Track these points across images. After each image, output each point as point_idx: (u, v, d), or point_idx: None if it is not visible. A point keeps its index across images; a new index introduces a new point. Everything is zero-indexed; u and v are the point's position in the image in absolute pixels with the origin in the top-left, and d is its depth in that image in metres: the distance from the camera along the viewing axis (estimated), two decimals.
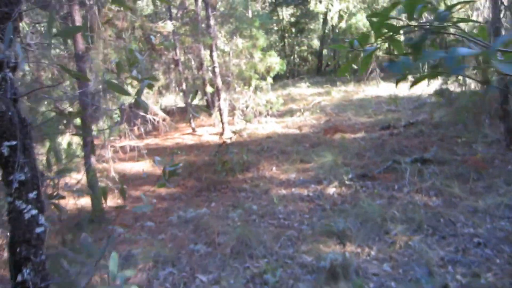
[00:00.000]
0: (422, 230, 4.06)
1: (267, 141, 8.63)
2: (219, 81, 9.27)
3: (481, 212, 4.40)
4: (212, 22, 9.17)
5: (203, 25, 9.51)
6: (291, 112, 11.50)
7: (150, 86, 1.84)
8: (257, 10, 22.17)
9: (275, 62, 8.94)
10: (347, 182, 5.62)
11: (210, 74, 9.36)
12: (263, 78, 9.40)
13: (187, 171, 6.80)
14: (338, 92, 14.86)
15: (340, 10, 16.91)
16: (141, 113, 6.57)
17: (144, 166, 7.42)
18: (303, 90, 17.02)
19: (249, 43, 9.36)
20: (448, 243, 3.79)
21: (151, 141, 9.68)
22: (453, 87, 12.19)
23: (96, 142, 6.94)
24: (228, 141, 7.69)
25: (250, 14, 19.73)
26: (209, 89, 9.39)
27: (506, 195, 4.75)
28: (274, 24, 26.33)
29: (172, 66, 10.26)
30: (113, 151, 6.65)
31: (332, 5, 17.42)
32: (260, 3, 22.67)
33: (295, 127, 9.75)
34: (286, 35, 26.83)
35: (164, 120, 7.03)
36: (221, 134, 9.58)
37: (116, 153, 7.26)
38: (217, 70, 9.24)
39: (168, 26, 6.69)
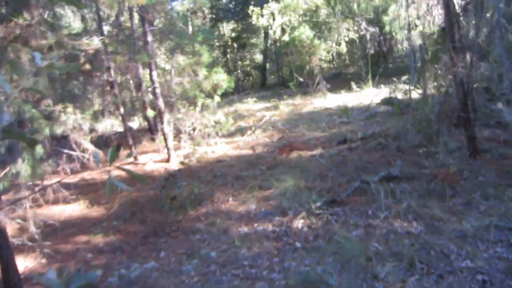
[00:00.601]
0: (415, 268, 3.42)
1: (219, 166, 7.79)
2: (161, 102, 8.33)
3: (470, 237, 3.86)
4: (149, 38, 8.25)
5: (140, 43, 8.55)
6: (241, 131, 10.76)
7: None
8: (198, 25, 21.44)
9: (222, 79, 8.19)
10: (315, 211, 4.93)
11: (151, 96, 8.40)
12: (209, 96, 8.60)
13: (129, 212, 5.79)
14: (286, 106, 14.38)
15: (282, 23, 16.59)
16: (65, 150, 5.50)
17: (76, 208, 6.28)
18: (250, 105, 16.38)
19: (192, 59, 8.54)
20: (449, 284, 3.17)
21: (88, 174, 8.48)
22: (400, 95, 12.14)
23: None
24: (177, 169, 6.77)
25: (190, 30, 18.88)
26: (150, 113, 8.40)
27: (489, 214, 4.28)
28: (216, 40, 25.73)
29: (108, 88, 9.16)
30: (37, 195, 5.47)
31: (274, 19, 17.07)
32: (200, 18, 21.97)
33: (248, 148, 9.00)
34: (228, 50, 26.28)
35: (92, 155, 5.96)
36: (167, 161, 8.61)
37: (43, 196, 6.07)
38: (158, 90, 8.30)
39: (94, 43, 5.71)
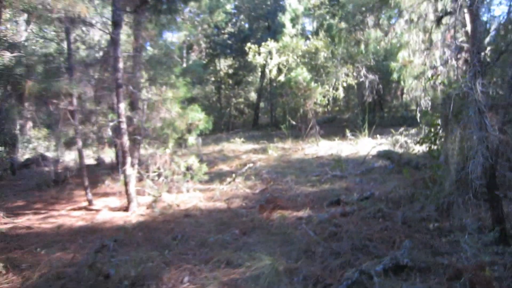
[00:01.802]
0: None
1: (184, 223, 6.29)
2: (125, 140, 6.92)
3: None
4: (120, 65, 6.96)
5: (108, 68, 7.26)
6: (221, 177, 9.31)
7: None
8: (194, 59, 20.46)
9: (199, 118, 6.85)
10: None
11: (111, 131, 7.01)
12: (183, 137, 7.24)
13: None
14: (275, 150, 13.03)
15: (279, 63, 15.57)
16: None
17: None
18: (238, 146, 15.06)
19: (168, 93, 7.23)
20: None
21: (27, 219, 6.90)
22: (399, 149, 10.85)
23: None
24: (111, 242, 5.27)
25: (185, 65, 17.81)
26: (108, 151, 6.99)
27: None
28: (211, 75, 24.77)
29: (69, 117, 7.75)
30: None
31: (271, 58, 16.07)
32: (197, 52, 21.05)
33: (223, 200, 7.53)
34: (223, 86, 25.27)
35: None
36: (126, 209, 7.10)
37: None
38: (123, 126, 6.92)
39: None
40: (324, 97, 14.60)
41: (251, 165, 9.29)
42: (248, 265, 4.51)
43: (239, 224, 6.07)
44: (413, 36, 6.77)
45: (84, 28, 7.65)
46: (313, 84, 13.88)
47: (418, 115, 14.10)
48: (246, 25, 23.85)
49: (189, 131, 7.07)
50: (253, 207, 7.04)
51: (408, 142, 11.16)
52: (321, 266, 4.43)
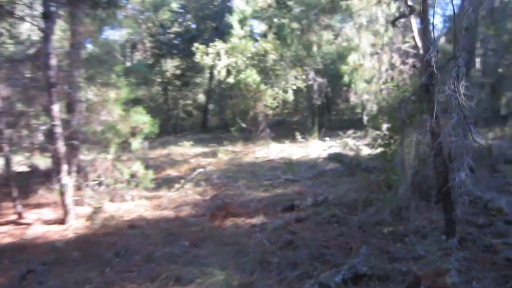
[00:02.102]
0: None
1: (128, 235, 5.76)
2: (60, 145, 6.25)
3: None
4: (53, 62, 6.27)
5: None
6: (169, 183, 8.80)
7: None
8: (138, 59, 19.53)
9: (143, 121, 6.34)
10: None
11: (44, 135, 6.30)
12: (127, 142, 6.68)
13: None
14: (226, 154, 12.67)
15: (228, 64, 15.22)
16: None
17: None
18: (186, 149, 14.50)
19: (110, 94, 6.64)
20: None
21: None
22: (348, 151, 10.94)
23: None
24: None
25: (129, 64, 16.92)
26: (39, 158, 6.28)
27: None
28: (158, 76, 23.87)
29: None
30: None
31: (219, 60, 15.67)
32: (142, 52, 20.14)
33: (172, 208, 7.06)
34: (170, 87, 24.43)
35: None
36: (62, 222, 6.42)
37: None
38: (58, 130, 6.24)
39: None
40: (274, 99, 14.48)
41: (201, 170, 8.87)
42: (200, 281, 4.13)
43: (189, 235, 5.65)
44: (363, 40, 6.75)
45: (11, 21, 6.84)
46: (263, 86, 13.70)
47: (365, 118, 14.44)
48: (193, 26, 23.26)
49: (133, 135, 6.52)
50: (204, 215, 6.65)
51: (357, 145, 11.29)
52: (278, 279, 4.16)
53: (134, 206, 7.26)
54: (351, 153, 11.00)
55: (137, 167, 6.71)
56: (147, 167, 11.15)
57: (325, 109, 19.56)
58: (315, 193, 7.33)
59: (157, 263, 4.77)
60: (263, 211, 6.48)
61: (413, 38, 6.16)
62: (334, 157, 10.83)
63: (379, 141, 6.02)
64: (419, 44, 6.07)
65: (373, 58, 6.32)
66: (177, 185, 8.33)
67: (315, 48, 8.17)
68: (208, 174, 9.67)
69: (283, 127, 19.22)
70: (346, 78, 7.17)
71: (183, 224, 6.16)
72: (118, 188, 6.60)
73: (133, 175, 6.81)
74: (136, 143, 6.52)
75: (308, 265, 4.33)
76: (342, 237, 5.18)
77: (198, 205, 7.29)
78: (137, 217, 6.57)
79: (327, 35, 5.64)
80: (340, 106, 24.77)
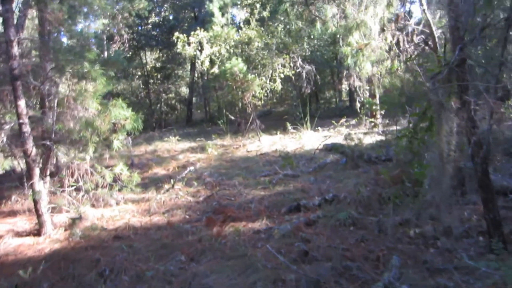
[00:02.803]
0: None
1: (113, 249, 4.89)
2: (30, 146, 5.30)
3: None
4: (15, 50, 5.30)
5: None
6: (156, 183, 7.93)
7: None
8: (116, 50, 18.25)
9: (124, 116, 5.43)
10: None
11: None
12: (108, 139, 5.76)
13: None
14: (215, 148, 11.83)
15: (211, 54, 14.27)
16: None
17: None
18: (172, 145, 13.58)
19: (83, 85, 5.69)
20: None
21: None
22: (348, 141, 10.22)
23: None
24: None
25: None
26: (6, 163, 5.32)
27: None
28: (138, 69, 22.69)
29: None
30: None
31: (201, 49, 14.69)
32: (119, 44, 18.91)
33: (162, 213, 6.20)
34: (151, 81, 23.26)
35: None
36: (37, 233, 5.51)
37: None
38: (26, 129, 5.30)
39: None
40: (262, 89, 13.64)
41: (191, 168, 7.99)
42: None
43: (185, 246, 4.82)
44: (369, 16, 5.97)
45: None
46: (250, 76, 12.83)
47: (358, 105, 13.77)
48: (172, 16, 22.08)
49: (114, 132, 5.61)
50: (199, 220, 5.83)
51: (356, 134, 10.59)
52: None
53: (120, 212, 6.38)
54: (351, 143, 10.31)
55: (120, 168, 5.80)
56: (131, 165, 10.23)
57: (313, 98, 18.85)
58: (321, 190, 6.59)
59: (149, 285, 3.95)
60: (266, 214, 5.70)
61: (423, 11, 5.43)
62: (332, 148, 10.12)
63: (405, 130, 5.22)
64: (429, 17, 5.36)
65: (379, 36, 5.55)
66: (166, 186, 7.47)
67: (318, 25, 7.46)
68: (199, 172, 8.82)
69: (270, 118, 18.43)
70: (349, 60, 6.38)
71: (177, 232, 5.32)
72: (99, 193, 5.69)
73: (116, 178, 5.91)
74: (117, 142, 5.59)
75: (333, 284, 3.57)
76: (363, 243, 4.45)
77: (191, 208, 6.45)
78: (123, 226, 5.69)
79: (330, 10, 4.97)
80: (327, 95, 24.13)
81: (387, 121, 10.81)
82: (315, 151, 10.05)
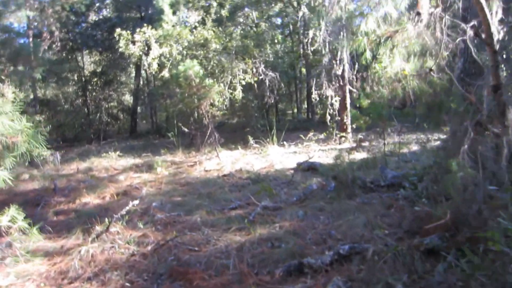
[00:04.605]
0: None
1: None
2: None
3: None
4: None
5: None
6: (84, 222, 5.53)
7: None
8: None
9: (17, 129, 3.05)
10: None
11: None
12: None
13: None
14: (165, 167, 9.53)
15: (160, 55, 11.99)
16: None
17: None
18: (112, 161, 11.07)
19: None
20: None
21: None
22: (327, 160, 8.46)
23: None
24: None
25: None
26: None
27: None
28: (74, 73, 19.59)
29: None
30: None
31: (148, 51, 12.35)
32: (49, 42, 15.89)
33: (87, 280, 3.87)
34: (90, 87, 20.23)
35: None
36: None
37: None
38: None
39: None
40: (221, 97, 11.59)
41: (136, 202, 5.68)
42: None
43: None
44: None
45: None
46: (208, 81, 10.74)
47: (328, 118, 12.16)
48: (114, 16, 19.35)
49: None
50: None
51: (342, 150, 8.84)
52: None
53: (18, 279, 3.95)
54: (327, 162, 8.55)
55: (11, 216, 3.40)
56: (54, 191, 7.69)
57: (272, 109, 17.10)
58: (321, 234, 4.62)
59: None
60: (254, 280, 3.62)
61: None
62: (309, 168, 8.31)
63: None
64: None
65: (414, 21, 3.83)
66: (98, 228, 5.08)
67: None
68: (146, 202, 6.53)
69: (224, 131, 16.33)
70: (367, 54, 4.63)
71: None
72: None
73: (3, 233, 3.52)
74: (2, 173, 3.22)
75: None
76: None
77: (135, 267, 4.17)
78: None
79: None
80: (281, 106, 22.56)
81: (371, 136, 9.29)
82: (286, 171, 8.19)
